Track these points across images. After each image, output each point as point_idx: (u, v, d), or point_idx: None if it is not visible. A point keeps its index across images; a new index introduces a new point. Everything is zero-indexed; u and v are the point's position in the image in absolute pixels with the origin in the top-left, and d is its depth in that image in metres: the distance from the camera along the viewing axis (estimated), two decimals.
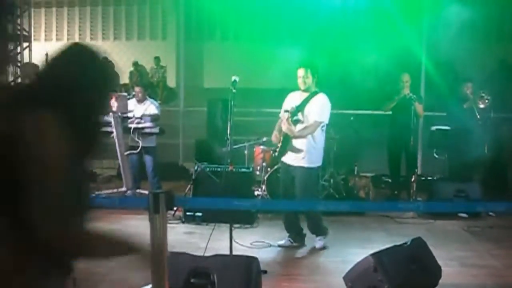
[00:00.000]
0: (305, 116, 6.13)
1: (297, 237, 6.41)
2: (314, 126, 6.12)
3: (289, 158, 6.23)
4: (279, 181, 6.62)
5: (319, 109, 6.12)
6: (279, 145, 6.34)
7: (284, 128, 6.13)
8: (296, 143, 6.19)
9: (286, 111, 6.22)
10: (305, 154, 6.16)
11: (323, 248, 6.31)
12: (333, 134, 8.91)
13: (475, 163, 8.47)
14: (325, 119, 6.18)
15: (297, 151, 6.18)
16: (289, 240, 6.38)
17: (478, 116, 8.34)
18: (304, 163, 6.18)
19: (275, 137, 6.44)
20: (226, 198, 5.57)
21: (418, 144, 10.26)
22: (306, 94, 6.21)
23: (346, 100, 11.03)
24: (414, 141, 8.97)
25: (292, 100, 6.29)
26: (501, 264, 5.76)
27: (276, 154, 6.48)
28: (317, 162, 6.33)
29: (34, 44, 11.71)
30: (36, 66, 6.90)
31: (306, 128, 6.12)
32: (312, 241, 6.58)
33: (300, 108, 6.15)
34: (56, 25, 16.55)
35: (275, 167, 8.22)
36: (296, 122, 6.11)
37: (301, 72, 6.14)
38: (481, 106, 8.38)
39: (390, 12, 11.40)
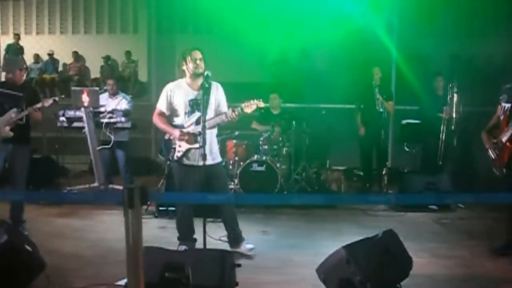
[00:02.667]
0: (216, 107, 5.57)
1: (192, 244, 5.78)
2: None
3: (205, 158, 5.13)
4: (182, 184, 5.68)
5: (225, 98, 5.61)
6: (193, 146, 5.54)
7: (223, 120, 5.49)
8: (210, 139, 5.56)
9: (195, 103, 5.51)
10: (216, 149, 5.78)
11: (253, 249, 5.81)
12: (305, 128, 8.97)
13: (444, 156, 8.59)
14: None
15: (211, 147, 5.60)
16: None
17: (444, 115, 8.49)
18: (219, 159, 5.77)
19: (181, 136, 5.59)
20: (199, 193, 5.55)
21: (389, 138, 10.38)
22: (199, 81, 5.52)
23: (318, 94, 11.09)
24: (385, 135, 9.11)
25: (184, 89, 5.62)
26: (470, 254, 5.85)
27: (178, 155, 5.67)
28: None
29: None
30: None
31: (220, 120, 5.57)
32: (288, 234, 6.64)
33: (205, 98, 5.39)
34: (24, 18, 16.24)
35: (247, 161, 8.26)
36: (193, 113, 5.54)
37: (198, 54, 5.52)
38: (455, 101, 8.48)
39: (361, 5, 11.46)
